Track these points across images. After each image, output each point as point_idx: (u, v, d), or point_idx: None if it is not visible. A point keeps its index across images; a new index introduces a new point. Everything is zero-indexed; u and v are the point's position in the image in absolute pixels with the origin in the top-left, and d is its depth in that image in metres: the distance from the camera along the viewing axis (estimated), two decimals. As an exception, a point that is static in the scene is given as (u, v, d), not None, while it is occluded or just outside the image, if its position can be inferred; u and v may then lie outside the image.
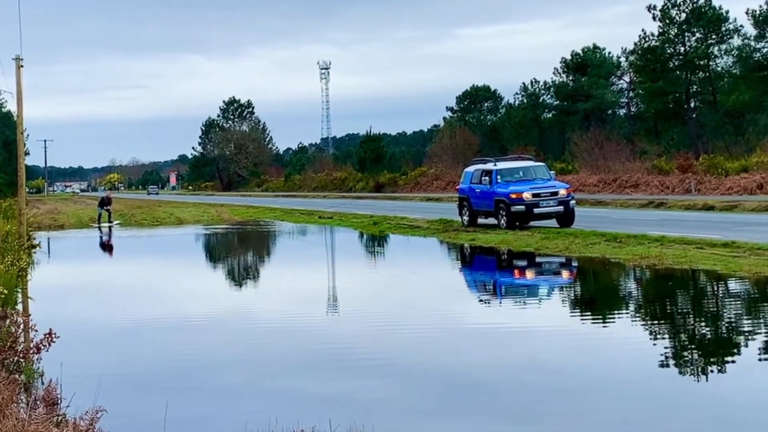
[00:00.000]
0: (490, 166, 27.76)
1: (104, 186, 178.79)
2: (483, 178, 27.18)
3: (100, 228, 39.26)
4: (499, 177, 26.57)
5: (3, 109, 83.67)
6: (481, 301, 15.68)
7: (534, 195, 25.26)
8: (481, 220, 27.77)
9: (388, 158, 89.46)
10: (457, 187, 30.64)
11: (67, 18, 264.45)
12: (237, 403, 8.34)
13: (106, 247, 31.53)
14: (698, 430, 7.19)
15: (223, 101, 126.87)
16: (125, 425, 7.13)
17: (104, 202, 41.86)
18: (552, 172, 28.65)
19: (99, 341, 12.10)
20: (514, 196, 25.43)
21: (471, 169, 29.40)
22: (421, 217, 33.09)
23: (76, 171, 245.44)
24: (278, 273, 21.90)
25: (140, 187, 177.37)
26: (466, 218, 28.35)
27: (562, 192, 25.67)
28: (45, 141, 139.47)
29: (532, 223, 25.66)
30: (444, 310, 14.00)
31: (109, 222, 40.61)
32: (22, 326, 11.45)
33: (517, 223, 25.40)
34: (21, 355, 9.32)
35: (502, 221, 25.81)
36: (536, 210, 25.15)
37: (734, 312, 12.76)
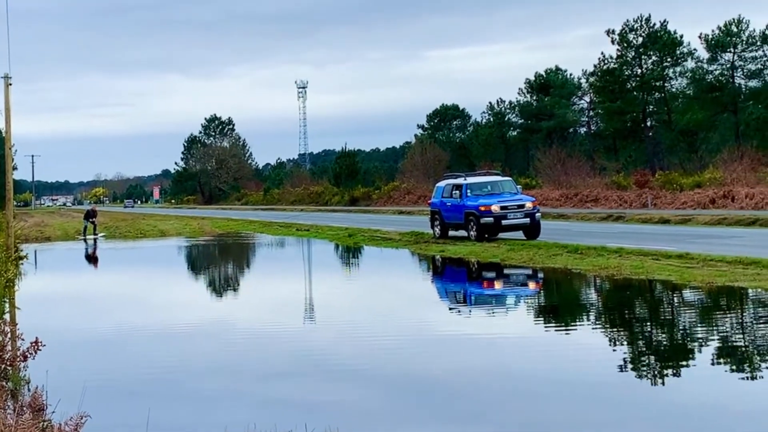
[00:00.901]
0: (460, 180, 27.78)
1: (90, 200, 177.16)
2: (454, 192, 27.18)
3: (85, 240, 38.87)
4: (468, 191, 26.61)
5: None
6: (450, 309, 15.71)
7: (502, 207, 25.30)
8: (451, 233, 27.75)
9: (363, 173, 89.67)
10: (429, 201, 30.41)
11: (54, 38, 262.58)
12: (217, 408, 8.29)
13: (92, 258, 31.20)
14: (653, 430, 7.26)
15: (205, 118, 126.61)
16: (109, 429, 7.06)
17: (89, 215, 41.55)
18: (519, 186, 28.52)
19: (84, 350, 11.98)
20: (483, 208, 25.45)
21: (442, 183, 29.29)
22: (394, 230, 33.13)
23: (62, 185, 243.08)
24: (257, 284, 21.82)
25: (125, 200, 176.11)
26: (437, 230, 28.29)
27: (529, 205, 25.75)
28: (32, 156, 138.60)
29: (500, 235, 25.80)
30: (415, 318, 14.01)
31: (95, 234, 40.23)
32: (9, 335, 11.30)
33: (486, 235, 25.50)
34: (8, 363, 9.20)
35: (472, 233, 25.81)
36: (504, 222, 25.23)
37: (688, 319, 12.90)
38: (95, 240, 38.78)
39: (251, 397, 8.83)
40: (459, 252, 23.62)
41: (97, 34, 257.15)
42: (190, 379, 9.82)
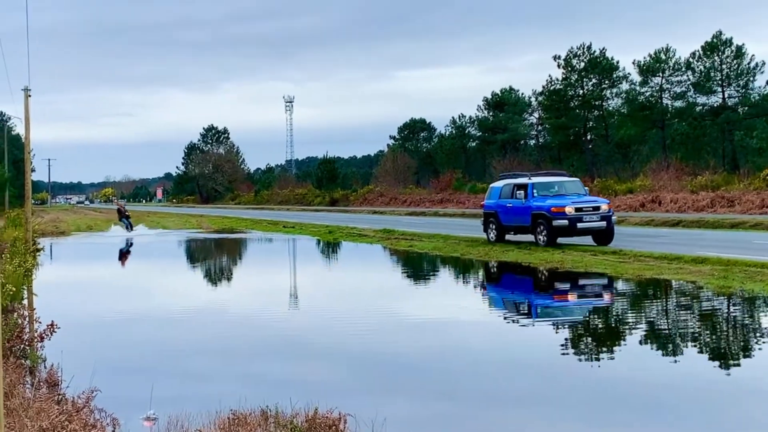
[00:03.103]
0: (524, 180, 22.77)
1: (100, 198, 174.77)
2: (517, 193, 22.21)
3: (127, 228, 38.48)
4: (535, 191, 21.77)
5: (12, 132, 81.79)
6: (415, 297, 15.65)
7: (576, 209, 20.63)
8: (509, 237, 23.14)
9: (341, 177, 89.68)
10: (482, 203, 24.81)
11: (66, 56, 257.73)
12: (212, 384, 8.27)
13: (103, 251, 30.82)
14: (590, 400, 7.36)
15: (203, 128, 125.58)
16: (116, 402, 7.01)
17: (122, 213, 40.46)
18: (586, 188, 23.40)
19: (94, 332, 11.86)
20: (555, 209, 20.71)
21: (499, 184, 24.00)
22: (368, 227, 33.15)
23: (75, 185, 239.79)
24: (248, 273, 21.71)
25: (131, 199, 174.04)
26: (492, 234, 23.32)
27: (604, 207, 21.05)
28: (48, 160, 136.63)
29: (560, 240, 21.42)
30: (383, 305, 14.02)
31: (128, 228, 39.22)
32: (27, 318, 11.18)
33: (558, 239, 21.04)
34: (27, 344, 9.11)
35: (541, 237, 21.08)
36: (579, 225, 20.55)
37: (620, 305, 13.07)
38: (127, 229, 37.93)
39: (242, 374, 8.81)
40: (425, 248, 23.70)
41: (104, 52, 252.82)
42: (188, 359, 9.77)
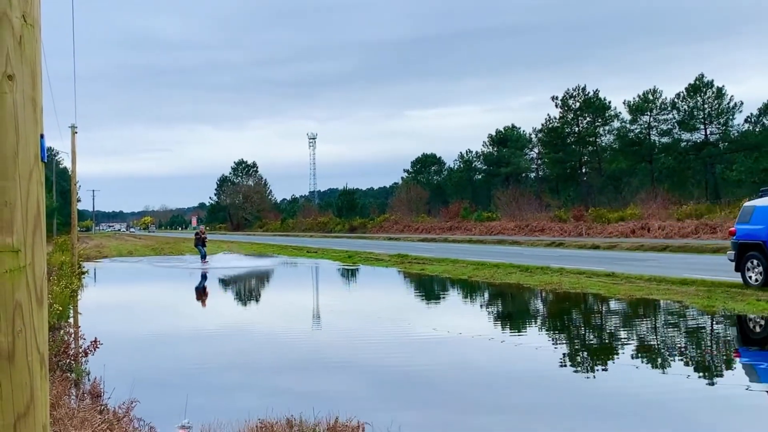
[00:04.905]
0: None
1: (140, 226, 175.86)
2: None
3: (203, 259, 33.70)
4: None
5: (60, 166, 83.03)
6: (424, 315, 15.55)
7: None
8: None
9: (360, 207, 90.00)
10: (732, 229, 15.72)
11: (108, 97, 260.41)
12: (241, 395, 8.23)
13: (142, 274, 30.93)
14: (587, 413, 7.24)
15: (234, 162, 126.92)
16: (154, 412, 6.99)
17: (199, 239, 34.83)
18: None
19: (134, 347, 11.87)
20: None
21: (767, 202, 14.61)
22: (384, 252, 33.12)
23: (117, 214, 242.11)
24: (274, 294, 21.68)
25: (169, 227, 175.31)
26: (755, 275, 14.56)
27: None
28: (93, 191, 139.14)
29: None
30: (396, 322, 13.91)
31: (203, 248, 35.67)
32: (73, 335, 11.22)
33: None
34: (72, 358, 9.13)
35: None
36: None
37: (614, 323, 12.92)
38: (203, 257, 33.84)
39: (268, 387, 8.76)
40: (435, 270, 23.59)
41: (143, 93, 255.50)
42: (219, 372, 9.74)
